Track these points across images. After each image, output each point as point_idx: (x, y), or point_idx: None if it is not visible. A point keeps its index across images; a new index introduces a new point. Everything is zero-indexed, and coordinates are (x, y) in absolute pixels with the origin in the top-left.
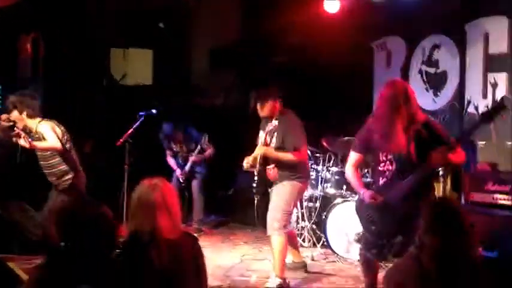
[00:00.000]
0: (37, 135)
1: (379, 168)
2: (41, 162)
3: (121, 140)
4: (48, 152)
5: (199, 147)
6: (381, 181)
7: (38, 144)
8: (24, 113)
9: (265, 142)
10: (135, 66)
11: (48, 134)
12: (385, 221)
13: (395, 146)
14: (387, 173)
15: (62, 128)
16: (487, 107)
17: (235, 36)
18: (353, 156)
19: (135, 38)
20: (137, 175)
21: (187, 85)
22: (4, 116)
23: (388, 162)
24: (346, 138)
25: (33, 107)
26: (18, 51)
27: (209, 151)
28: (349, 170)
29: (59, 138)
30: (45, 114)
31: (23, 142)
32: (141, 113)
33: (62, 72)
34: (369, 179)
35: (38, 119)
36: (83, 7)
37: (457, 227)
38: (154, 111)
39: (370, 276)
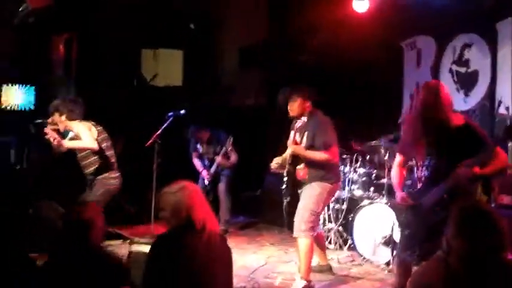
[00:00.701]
0: (76, 136)
1: (417, 174)
2: (79, 161)
3: (150, 141)
4: (84, 152)
5: (224, 149)
6: (419, 186)
7: (70, 143)
8: (64, 115)
9: (295, 140)
10: (166, 67)
11: (84, 134)
12: (418, 226)
13: (422, 156)
14: (423, 178)
15: (99, 127)
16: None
17: (263, 36)
18: (397, 157)
19: (165, 39)
20: (165, 175)
21: (217, 86)
22: (49, 120)
23: (424, 168)
24: (373, 142)
25: (73, 109)
26: (51, 52)
27: (233, 158)
28: (394, 170)
29: (94, 137)
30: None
31: (55, 142)
32: (169, 114)
33: (93, 73)
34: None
35: (78, 121)
36: (114, 8)
37: (487, 229)
38: (182, 112)
39: (402, 279)
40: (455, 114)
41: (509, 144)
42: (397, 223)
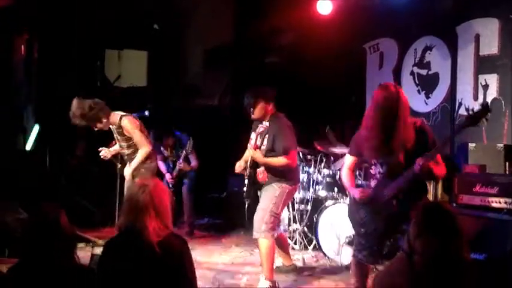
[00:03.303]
0: (120, 129)
1: (371, 171)
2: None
3: (113, 142)
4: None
5: (184, 152)
6: (372, 183)
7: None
8: (104, 118)
9: (255, 145)
10: (130, 68)
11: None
12: (375, 222)
13: (383, 156)
14: (378, 175)
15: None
16: (473, 110)
17: (229, 38)
18: (348, 159)
19: (129, 40)
20: None
21: (181, 87)
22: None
23: (378, 165)
24: (337, 150)
25: (103, 108)
26: (11, 53)
27: (193, 163)
28: (344, 172)
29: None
30: (38, 116)
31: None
32: (133, 115)
33: (55, 74)
34: (360, 182)
35: (117, 114)
36: (78, 8)
37: (450, 230)
38: (146, 112)
39: (360, 279)
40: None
41: (470, 145)
42: (351, 222)
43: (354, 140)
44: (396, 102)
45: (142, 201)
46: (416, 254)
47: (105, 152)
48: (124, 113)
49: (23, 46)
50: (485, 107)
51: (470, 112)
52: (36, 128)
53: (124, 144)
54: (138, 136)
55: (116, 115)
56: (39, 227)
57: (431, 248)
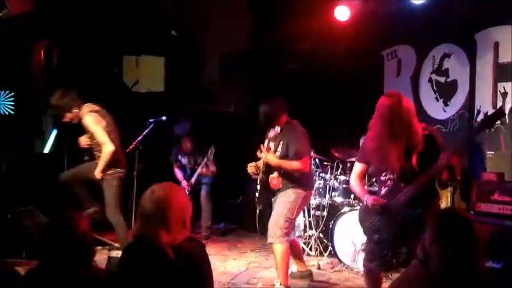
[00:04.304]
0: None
1: (381, 178)
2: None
3: (131, 147)
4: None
5: (205, 159)
6: (383, 190)
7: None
8: (75, 107)
9: (268, 148)
10: (148, 74)
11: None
12: (389, 228)
13: (390, 166)
14: (389, 182)
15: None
16: (487, 113)
17: (246, 44)
18: (358, 167)
19: (147, 46)
20: (146, 181)
21: (199, 92)
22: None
23: (389, 171)
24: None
25: (75, 98)
26: (31, 59)
27: (212, 169)
28: (354, 180)
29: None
30: (56, 121)
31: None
32: (151, 120)
33: (74, 80)
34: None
35: (86, 107)
36: (95, 14)
37: (466, 237)
38: (164, 118)
39: (373, 287)
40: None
41: (488, 153)
42: (362, 229)
43: (363, 148)
44: (400, 109)
45: (148, 209)
46: (432, 261)
47: (82, 140)
48: (96, 108)
49: (42, 52)
50: (499, 111)
51: (485, 116)
52: (54, 133)
53: (89, 141)
54: (100, 133)
55: (86, 108)
56: (59, 232)
57: (447, 255)
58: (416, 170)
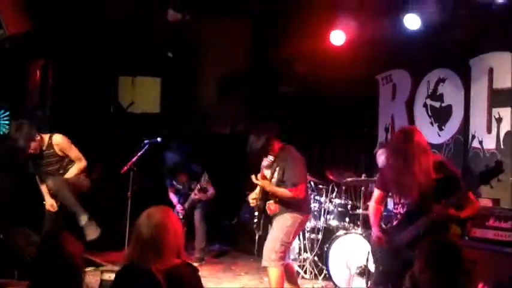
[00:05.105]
0: (51, 149)
1: (394, 210)
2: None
3: (125, 168)
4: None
5: (198, 186)
6: (395, 222)
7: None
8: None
9: (263, 175)
10: (143, 94)
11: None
12: (394, 262)
13: (409, 197)
14: (399, 215)
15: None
16: (486, 166)
17: (243, 66)
18: (376, 193)
19: (143, 66)
20: (141, 202)
21: (195, 114)
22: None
23: (401, 205)
24: (349, 179)
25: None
26: (27, 78)
27: (210, 191)
28: (371, 206)
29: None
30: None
31: None
32: (145, 141)
33: (69, 100)
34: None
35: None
36: (92, 34)
37: (456, 264)
38: (159, 139)
39: None
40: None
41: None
42: (372, 256)
43: (381, 175)
44: (410, 146)
45: (147, 234)
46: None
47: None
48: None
49: (38, 71)
50: (498, 167)
51: (483, 169)
52: None
53: (50, 163)
54: (75, 151)
55: (43, 135)
56: (48, 254)
57: (438, 283)
58: (423, 207)
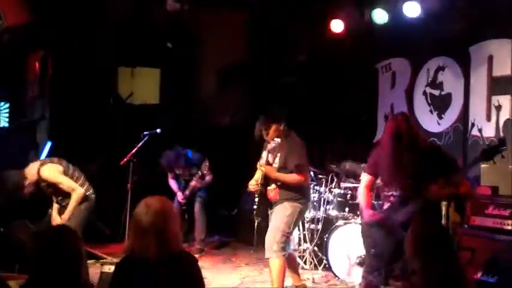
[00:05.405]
0: (44, 182)
1: (385, 192)
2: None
3: (125, 159)
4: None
5: (199, 172)
6: (386, 205)
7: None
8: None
9: (267, 161)
10: (143, 85)
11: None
12: (386, 243)
13: (399, 182)
14: (392, 198)
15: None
16: (489, 144)
17: (243, 56)
18: (365, 178)
19: (142, 57)
20: (141, 194)
21: (194, 105)
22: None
23: (393, 188)
24: (348, 163)
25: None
26: (26, 70)
27: (208, 178)
28: (361, 190)
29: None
30: (51, 132)
31: None
32: (145, 133)
33: (69, 91)
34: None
35: (31, 168)
36: (91, 25)
37: (442, 250)
38: (158, 130)
39: None
40: (423, 139)
41: (482, 166)
42: (363, 242)
43: (371, 160)
44: (405, 131)
45: (146, 222)
46: (415, 274)
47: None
48: (38, 163)
49: (37, 63)
50: (501, 143)
51: (486, 147)
52: (48, 144)
53: (57, 194)
54: (65, 182)
55: (31, 169)
56: (48, 247)
57: (429, 269)
58: (419, 188)
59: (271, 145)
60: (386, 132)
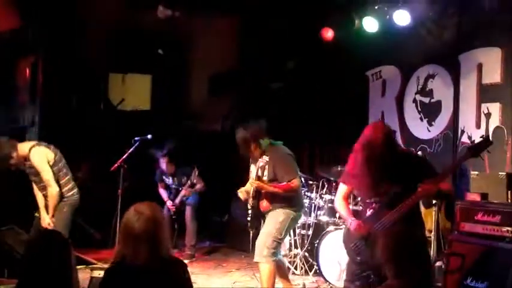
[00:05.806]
0: (29, 161)
1: (367, 200)
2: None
3: (115, 165)
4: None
5: (189, 182)
6: (368, 212)
7: None
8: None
9: (257, 176)
10: (134, 91)
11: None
12: (371, 250)
13: (373, 194)
14: (374, 204)
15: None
16: (474, 141)
17: (233, 62)
18: (342, 188)
19: (134, 64)
20: (131, 199)
21: (185, 111)
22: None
23: (373, 194)
24: (339, 167)
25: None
26: (16, 75)
27: (199, 186)
28: (338, 201)
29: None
30: (43, 138)
31: None
32: (136, 139)
33: (59, 97)
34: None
35: (25, 144)
36: (82, 32)
37: (414, 256)
38: (149, 136)
39: None
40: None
41: (472, 173)
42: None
43: (347, 169)
44: (381, 140)
45: (138, 229)
46: (390, 278)
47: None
48: (35, 143)
49: (27, 69)
50: (486, 139)
51: (471, 144)
52: None
53: (37, 179)
54: (46, 172)
55: (25, 145)
56: (37, 252)
57: (404, 275)
58: (401, 195)
59: (259, 163)
60: (359, 141)
